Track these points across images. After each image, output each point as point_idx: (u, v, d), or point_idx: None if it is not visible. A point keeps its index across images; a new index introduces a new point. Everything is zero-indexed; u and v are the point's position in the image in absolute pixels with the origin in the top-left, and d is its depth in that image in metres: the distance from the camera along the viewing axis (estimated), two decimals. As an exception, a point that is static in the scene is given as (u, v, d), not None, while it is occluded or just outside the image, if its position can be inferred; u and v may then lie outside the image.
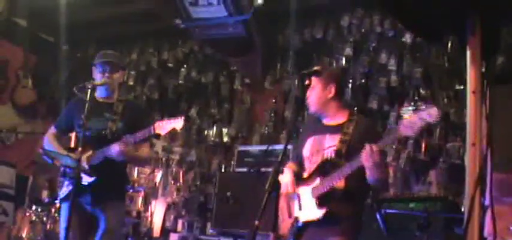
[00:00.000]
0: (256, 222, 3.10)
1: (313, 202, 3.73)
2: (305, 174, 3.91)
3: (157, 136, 4.39)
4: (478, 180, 2.47)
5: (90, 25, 8.65)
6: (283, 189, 3.94)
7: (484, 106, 2.58)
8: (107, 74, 4.56)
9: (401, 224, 5.04)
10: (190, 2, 6.93)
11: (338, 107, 3.95)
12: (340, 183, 3.62)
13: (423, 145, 6.14)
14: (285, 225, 3.94)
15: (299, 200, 3.86)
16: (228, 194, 6.25)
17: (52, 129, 4.90)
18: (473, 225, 2.47)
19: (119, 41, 8.95)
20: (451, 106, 6.12)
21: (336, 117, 3.92)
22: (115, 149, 4.30)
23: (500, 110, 2.69)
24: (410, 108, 3.24)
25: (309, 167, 3.89)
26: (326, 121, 3.95)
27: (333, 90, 3.92)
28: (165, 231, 7.68)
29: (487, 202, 2.64)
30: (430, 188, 6.08)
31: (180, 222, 7.76)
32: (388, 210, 5.02)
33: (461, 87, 5.97)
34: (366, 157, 3.39)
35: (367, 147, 3.39)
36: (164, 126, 4.21)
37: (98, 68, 4.61)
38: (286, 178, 3.95)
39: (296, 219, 3.84)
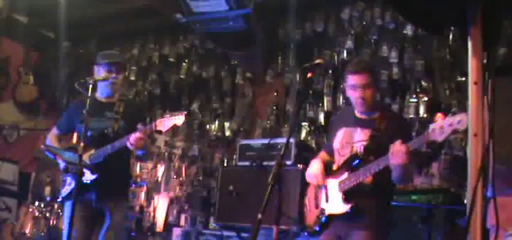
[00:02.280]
0: (260, 216, 3.11)
1: (339, 196, 3.76)
2: (334, 167, 3.93)
3: (159, 132, 4.38)
4: (480, 172, 2.46)
5: (91, 21, 8.64)
6: (311, 180, 3.98)
7: (485, 97, 2.58)
8: (113, 75, 4.57)
9: (404, 216, 5.04)
10: (191, -3, 6.93)
11: (377, 103, 3.99)
12: (367, 179, 3.66)
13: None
14: (311, 216, 3.97)
15: (326, 192, 3.88)
16: (231, 188, 6.25)
17: (54, 131, 4.91)
18: (475, 216, 2.47)
19: (119, 36, 8.96)
20: (453, 98, 6.12)
21: (370, 112, 3.90)
22: (132, 137, 4.24)
23: (502, 102, 2.68)
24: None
25: (338, 159, 3.91)
26: (359, 114, 3.93)
27: (379, 88, 3.94)
28: (168, 226, 7.69)
29: (489, 193, 2.64)
30: (433, 180, 6.07)
31: (183, 216, 7.77)
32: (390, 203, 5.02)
33: (463, 79, 5.96)
34: (393, 157, 3.41)
35: (395, 147, 3.41)
36: (165, 123, 4.21)
37: (103, 67, 4.61)
38: (314, 169, 3.97)
39: (322, 211, 3.86)
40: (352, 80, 3.85)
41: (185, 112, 4.27)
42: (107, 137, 4.48)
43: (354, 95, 3.86)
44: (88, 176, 4.39)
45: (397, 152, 3.39)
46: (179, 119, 4.19)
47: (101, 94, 4.71)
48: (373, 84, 3.84)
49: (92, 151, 4.46)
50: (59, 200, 4.77)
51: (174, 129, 7.53)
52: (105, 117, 4.58)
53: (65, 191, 4.58)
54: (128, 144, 4.26)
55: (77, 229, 4.41)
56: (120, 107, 4.62)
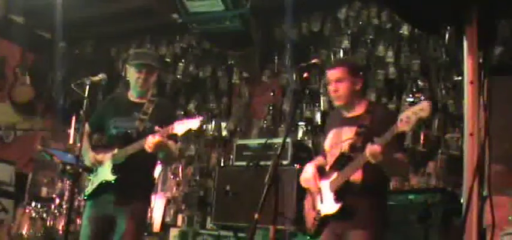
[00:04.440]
0: (256, 216, 3.12)
1: (331, 196, 3.76)
2: (327, 168, 3.95)
3: (175, 136, 4.30)
4: (476, 170, 2.47)
5: (88, 22, 8.63)
6: (305, 185, 4.01)
7: (481, 97, 2.59)
8: (142, 76, 4.52)
9: (401, 215, 5.05)
10: (187, -3, 6.94)
11: (359, 100, 3.97)
12: (357, 177, 3.67)
13: (422, 137, 6.15)
14: (309, 218, 3.98)
15: (321, 194, 3.89)
16: (227, 188, 6.26)
17: (87, 129, 4.75)
18: (472, 215, 2.48)
19: (116, 37, 8.96)
20: (449, 97, 6.13)
21: (355, 109, 3.93)
22: (150, 139, 4.15)
23: (498, 101, 2.69)
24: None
25: (330, 160, 3.92)
26: (346, 113, 3.96)
27: (360, 83, 3.95)
28: (165, 226, 7.68)
29: (485, 192, 2.65)
30: (429, 179, 6.09)
31: (179, 217, 7.76)
32: (387, 202, 5.02)
33: (459, 78, 5.97)
34: (370, 156, 3.43)
35: (368, 147, 3.43)
36: (181, 127, 4.16)
37: (134, 68, 4.55)
38: (307, 173, 3.99)
39: (318, 213, 3.87)
40: (327, 75, 3.97)
41: (201, 117, 4.23)
42: (130, 137, 4.39)
43: (330, 91, 3.96)
44: (109, 177, 4.34)
45: (372, 152, 3.42)
46: (194, 124, 4.14)
47: (132, 93, 4.65)
48: (349, 77, 3.87)
49: (115, 151, 4.39)
50: (84, 196, 4.64)
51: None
52: (133, 117, 4.49)
53: (88, 190, 4.49)
54: (146, 147, 4.18)
55: (92, 229, 4.37)
56: (148, 108, 4.53)
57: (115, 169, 4.34)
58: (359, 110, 3.91)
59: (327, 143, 3.99)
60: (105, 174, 4.35)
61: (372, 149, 3.41)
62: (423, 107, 3.15)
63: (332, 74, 3.92)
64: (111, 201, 4.35)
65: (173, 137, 4.29)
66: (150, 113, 4.51)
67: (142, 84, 4.54)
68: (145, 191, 4.63)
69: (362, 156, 3.52)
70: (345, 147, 3.80)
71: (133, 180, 4.34)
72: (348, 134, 3.84)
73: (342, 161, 3.75)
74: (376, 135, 3.53)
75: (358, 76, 3.94)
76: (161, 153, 4.43)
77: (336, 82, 3.88)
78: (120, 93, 4.50)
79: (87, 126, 4.75)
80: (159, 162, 4.94)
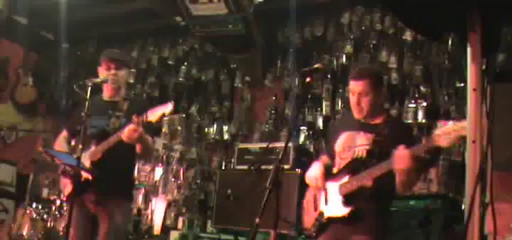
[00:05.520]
0: (257, 220, 3.11)
1: (339, 199, 3.75)
2: (335, 170, 3.92)
3: (150, 123, 4.30)
4: (478, 178, 2.46)
5: (90, 23, 8.65)
6: (311, 182, 3.97)
7: (484, 104, 2.58)
8: (112, 71, 4.55)
9: (401, 221, 5.04)
10: (191, 0, 6.94)
11: (379, 111, 3.95)
12: (368, 183, 3.64)
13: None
14: (309, 219, 3.96)
15: (326, 195, 3.86)
16: (229, 191, 6.25)
17: (63, 133, 4.87)
18: (473, 222, 2.47)
19: (119, 39, 8.95)
20: (451, 104, 6.12)
21: (373, 117, 3.89)
22: (126, 129, 4.17)
23: (501, 108, 2.68)
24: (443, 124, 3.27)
25: (339, 162, 3.89)
26: (362, 119, 3.93)
27: (382, 95, 3.97)
28: (165, 229, 7.67)
29: (487, 200, 2.64)
30: (431, 185, 6.07)
31: (180, 220, 7.75)
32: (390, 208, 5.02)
33: (462, 84, 5.97)
34: (397, 161, 3.41)
35: (399, 151, 3.41)
36: (154, 113, 4.16)
37: (103, 65, 4.60)
38: (315, 172, 3.96)
39: (321, 214, 3.85)
40: (351, 85, 3.90)
41: (172, 101, 4.24)
42: (107, 134, 4.41)
43: (351, 101, 3.90)
44: (86, 174, 4.35)
45: (400, 157, 3.40)
46: (167, 108, 4.15)
47: (106, 93, 4.69)
48: (373, 90, 3.81)
49: (92, 148, 4.42)
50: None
51: (172, 132, 7.52)
52: (108, 115, 4.53)
53: (68, 189, 4.50)
54: (123, 137, 4.19)
55: (77, 229, 4.38)
56: (123, 105, 4.57)
57: (93, 167, 4.35)
58: (378, 118, 3.88)
59: (339, 145, 3.94)
60: (82, 176, 4.36)
61: (403, 156, 3.39)
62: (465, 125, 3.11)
63: (356, 85, 3.84)
64: (91, 200, 4.40)
65: (149, 125, 4.29)
66: (125, 110, 4.54)
67: (113, 80, 4.57)
68: (125, 188, 4.68)
69: (385, 164, 3.51)
70: (360, 152, 3.79)
71: (112, 178, 4.36)
72: (362, 139, 3.81)
73: (356, 166, 3.73)
74: (393, 147, 3.52)
75: (382, 87, 3.93)
76: (138, 146, 4.42)
77: (359, 95, 3.82)
78: (94, 95, 4.52)
79: (64, 131, 4.84)
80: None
